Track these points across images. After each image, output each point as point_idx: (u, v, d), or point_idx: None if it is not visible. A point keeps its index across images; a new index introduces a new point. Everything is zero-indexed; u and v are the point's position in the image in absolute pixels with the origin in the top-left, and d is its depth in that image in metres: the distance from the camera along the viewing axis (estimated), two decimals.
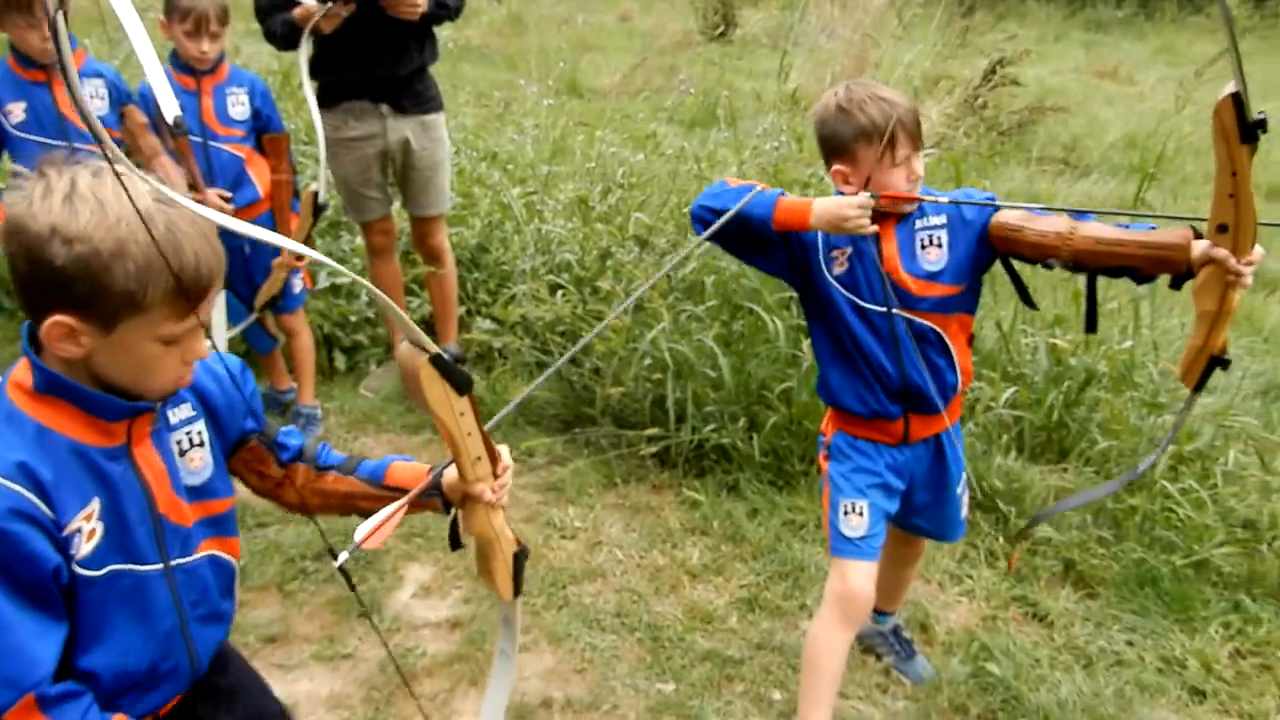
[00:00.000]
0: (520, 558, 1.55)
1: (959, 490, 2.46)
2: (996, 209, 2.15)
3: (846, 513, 2.30)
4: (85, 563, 1.30)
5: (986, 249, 2.18)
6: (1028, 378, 3.81)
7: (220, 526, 1.50)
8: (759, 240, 2.24)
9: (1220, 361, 1.96)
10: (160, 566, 1.39)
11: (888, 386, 2.25)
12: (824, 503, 2.39)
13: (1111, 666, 2.79)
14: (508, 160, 5.94)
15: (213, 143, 3.42)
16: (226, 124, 3.45)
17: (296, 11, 3.44)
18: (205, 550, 1.46)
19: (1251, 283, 1.87)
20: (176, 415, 1.43)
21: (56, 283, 1.19)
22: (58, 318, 1.21)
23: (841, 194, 2.17)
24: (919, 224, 2.20)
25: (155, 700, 1.47)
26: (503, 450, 1.47)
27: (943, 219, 2.19)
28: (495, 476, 1.46)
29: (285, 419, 3.86)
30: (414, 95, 3.82)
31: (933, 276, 2.19)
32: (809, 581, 3.09)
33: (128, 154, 3.17)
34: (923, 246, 2.19)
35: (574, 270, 4.37)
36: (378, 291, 1.29)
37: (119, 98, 3.34)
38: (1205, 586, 3.03)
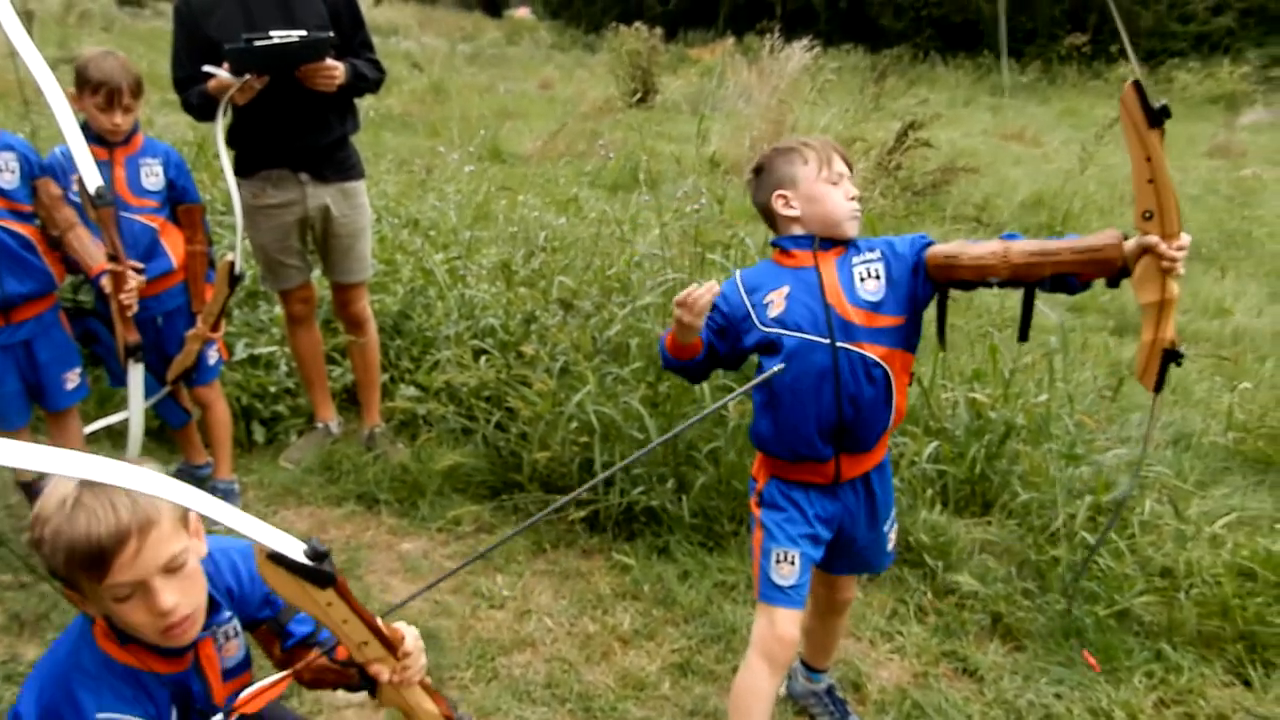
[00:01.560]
0: None
1: (887, 528, 2.48)
2: (927, 244, 2.21)
3: (779, 561, 2.30)
4: None
5: (924, 282, 2.21)
6: (949, 432, 3.87)
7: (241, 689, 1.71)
8: (714, 359, 2.36)
9: (1174, 355, 1.98)
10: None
11: (822, 426, 2.24)
12: (755, 546, 2.37)
13: None
14: (430, 226, 5.93)
15: (125, 214, 3.34)
16: (140, 195, 3.38)
17: (210, 84, 3.41)
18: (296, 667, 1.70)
19: (1183, 270, 1.92)
20: (231, 628, 1.72)
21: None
22: (66, 591, 1.50)
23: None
24: (855, 259, 2.24)
25: None
26: (408, 632, 1.52)
27: (876, 253, 2.23)
28: (397, 658, 1.51)
29: None
30: (334, 164, 3.80)
31: (874, 307, 2.20)
32: (741, 644, 3.06)
33: (42, 228, 3.11)
34: (861, 279, 2.21)
35: (498, 335, 4.35)
36: None
37: (30, 170, 3.25)
38: (1128, 636, 3.08)
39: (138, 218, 3.38)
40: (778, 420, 2.29)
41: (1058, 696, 2.88)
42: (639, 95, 12.34)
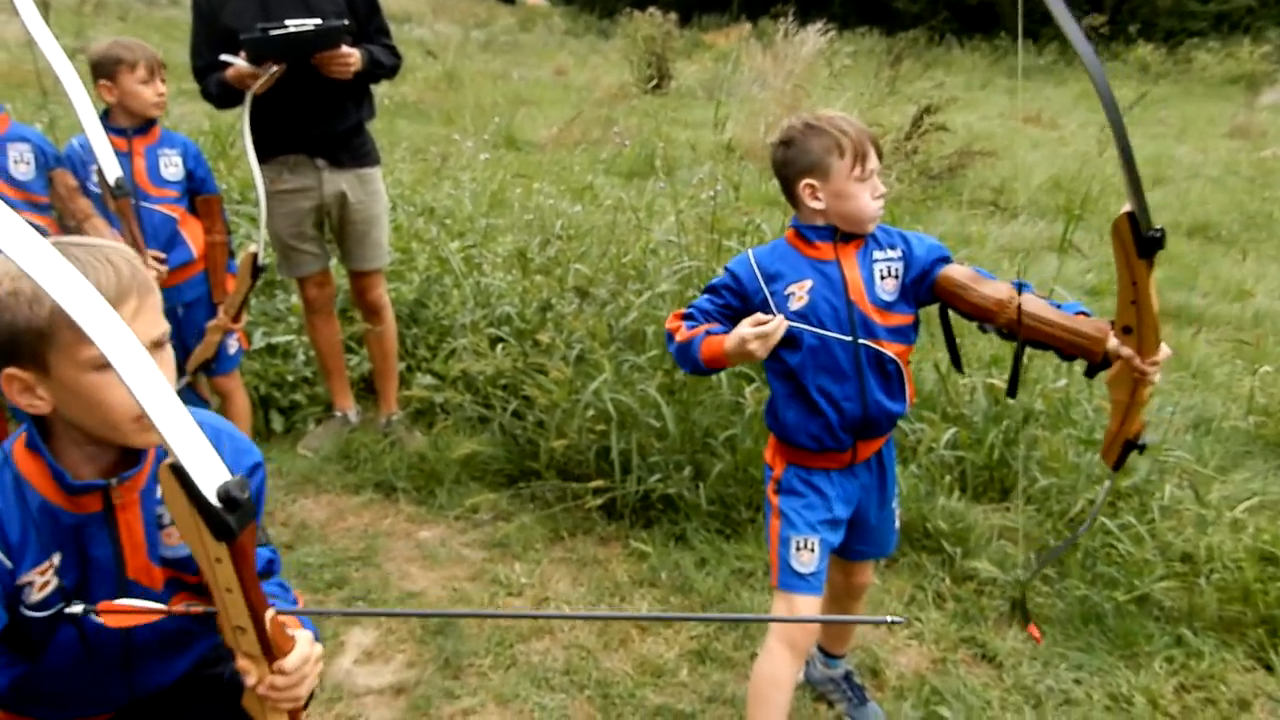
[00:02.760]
0: None
1: (894, 505, 2.51)
2: (944, 259, 2.22)
3: (799, 549, 2.30)
4: (35, 607, 1.37)
5: (927, 292, 2.23)
6: (967, 418, 3.85)
7: (193, 590, 1.48)
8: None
9: (1136, 445, 2.16)
10: (117, 626, 1.42)
11: (846, 420, 2.25)
12: (772, 534, 2.36)
13: (1060, 706, 2.80)
14: (445, 215, 5.93)
15: (145, 204, 3.36)
16: (159, 185, 3.40)
17: (229, 73, 3.42)
18: (174, 605, 1.41)
19: (1159, 380, 2.04)
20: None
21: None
22: (7, 371, 1.28)
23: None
24: (876, 255, 2.24)
25: (74, 708, 1.52)
26: (300, 648, 1.23)
27: (897, 252, 2.24)
28: (270, 669, 1.21)
29: None
30: (351, 150, 3.81)
31: (889, 306, 2.23)
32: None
33: (59, 219, 3.12)
34: (881, 277, 2.23)
35: (514, 323, 4.35)
36: None
37: (46, 161, 3.27)
38: (1148, 621, 3.06)
39: (158, 208, 3.40)
40: (802, 413, 2.29)
41: (1077, 682, 2.87)
42: (654, 81, 12.30)
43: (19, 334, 1.26)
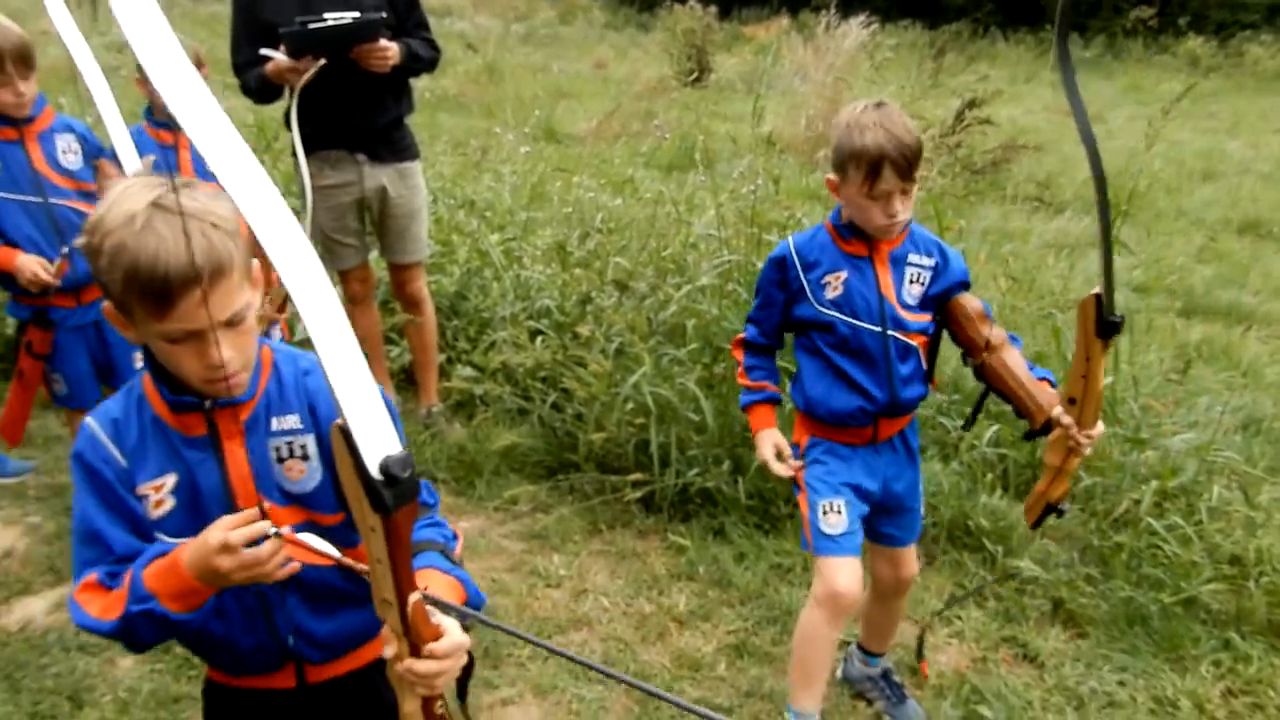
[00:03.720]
0: None
1: (919, 489, 2.58)
2: (964, 284, 2.38)
3: (825, 512, 2.38)
4: (161, 527, 1.42)
5: (939, 307, 2.39)
6: (1009, 416, 3.80)
7: (331, 536, 1.45)
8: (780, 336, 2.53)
9: (1056, 509, 2.38)
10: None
11: (874, 405, 2.35)
12: (802, 507, 2.44)
13: (1104, 708, 2.76)
14: (486, 207, 5.95)
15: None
16: (205, 178, 3.42)
17: (269, 67, 3.45)
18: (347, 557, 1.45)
19: (1089, 453, 2.28)
20: (281, 424, 1.47)
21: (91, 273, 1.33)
22: (105, 304, 1.36)
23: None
24: (911, 258, 2.34)
25: (238, 668, 1.58)
26: (449, 638, 1.17)
27: (931, 261, 2.34)
28: (415, 652, 1.16)
29: None
30: (390, 144, 3.83)
31: (912, 308, 2.34)
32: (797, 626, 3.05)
33: None
34: (910, 281, 2.34)
35: (553, 316, 4.36)
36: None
37: (91, 151, 3.32)
38: (1194, 624, 3.01)
39: None
40: (829, 389, 2.39)
41: (1121, 684, 2.83)
42: (694, 74, 12.26)
43: (103, 285, 1.31)
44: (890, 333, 2.31)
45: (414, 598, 1.14)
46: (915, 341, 2.35)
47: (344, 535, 1.47)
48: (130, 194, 1.28)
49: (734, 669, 2.89)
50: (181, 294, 1.26)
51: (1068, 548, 3.35)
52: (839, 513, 2.37)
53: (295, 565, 1.37)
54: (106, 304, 1.35)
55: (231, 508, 1.41)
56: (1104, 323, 2.02)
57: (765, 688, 2.80)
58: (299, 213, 3.54)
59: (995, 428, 3.68)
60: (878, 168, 2.16)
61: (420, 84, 4.17)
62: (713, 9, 14.39)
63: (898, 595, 2.69)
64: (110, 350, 3.35)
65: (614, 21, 22.88)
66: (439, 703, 1.23)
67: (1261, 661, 2.88)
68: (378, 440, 1.02)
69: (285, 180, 5.66)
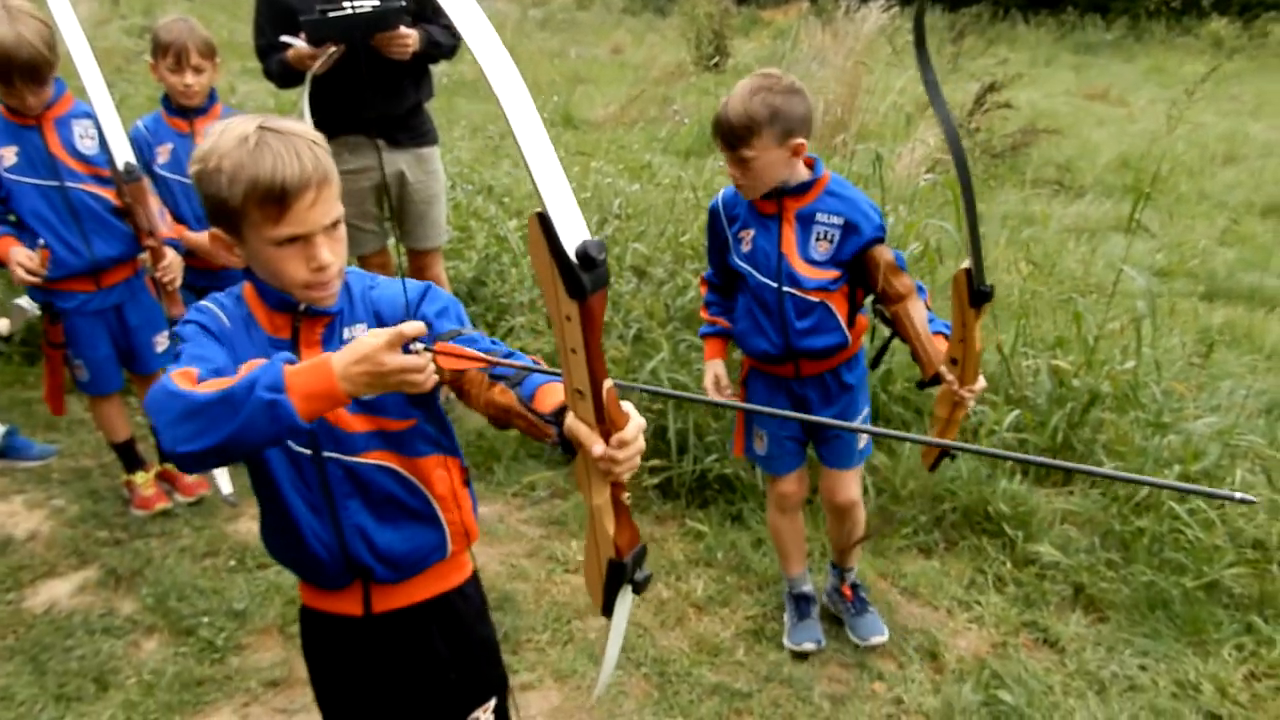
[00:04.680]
0: (615, 570, 1.29)
1: (860, 419, 2.80)
2: (878, 240, 2.52)
3: (756, 436, 2.83)
4: None
5: (855, 260, 2.55)
6: (1030, 400, 3.79)
7: (397, 444, 1.60)
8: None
9: (948, 454, 2.67)
10: (310, 452, 1.57)
11: (772, 344, 2.64)
12: (738, 425, 2.90)
13: (1125, 692, 2.75)
14: (504, 193, 5.95)
15: None
16: None
17: (289, 53, 3.46)
18: (376, 459, 1.60)
19: (973, 405, 2.53)
20: (351, 332, 1.57)
21: (201, 199, 1.50)
22: (212, 230, 1.52)
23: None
24: (819, 217, 2.54)
25: (306, 568, 1.69)
26: (633, 420, 1.22)
27: (840, 220, 2.53)
28: (605, 440, 1.21)
29: None
30: (409, 130, 3.84)
31: (818, 264, 2.55)
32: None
33: (118, 193, 3.17)
34: (816, 239, 2.55)
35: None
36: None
37: (105, 137, 3.34)
38: (1217, 608, 3.00)
39: None
40: (748, 329, 2.68)
41: (1142, 668, 2.82)
42: (712, 59, 12.19)
43: (220, 204, 1.45)
44: (786, 289, 2.56)
45: (608, 384, 1.18)
46: (815, 298, 2.55)
47: (411, 443, 1.62)
48: (234, 125, 1.47)
49: (753, 654, 2.90)
50: (297, 197, 1.43)
51: (1088, 533, 3.33)
52: (761, 439, 2.80)
53: (436, 378, 1.41)
54: (212, 230, 1.51)
55: None
56: (975, 293, 2.19)
57: (784, 672, 2.81)
58: None
59: (1016, 413, 3.66)
60: (716, 132, 2.52)
61: (438, 69, 4.17)
62: None
63: (837, 514, 2.91)
64: (131, 335, 3.38)
65: (631, 6, 22.78)
66: (625, 493, 1.28)
67: None
68: (572, 228, 1.08)
69: None
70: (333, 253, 1.51)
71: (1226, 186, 8.36)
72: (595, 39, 16.42)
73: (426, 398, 1.59)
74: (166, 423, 1.33)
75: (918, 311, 2.49)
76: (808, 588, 3.00)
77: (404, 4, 3.48)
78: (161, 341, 3.45)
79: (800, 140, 2.47)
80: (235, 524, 3.47)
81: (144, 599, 3.07)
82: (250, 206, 1.44)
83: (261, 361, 1.35)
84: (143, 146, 3.38)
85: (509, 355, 1.48)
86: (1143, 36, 20.07)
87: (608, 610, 1.33)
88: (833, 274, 2.55)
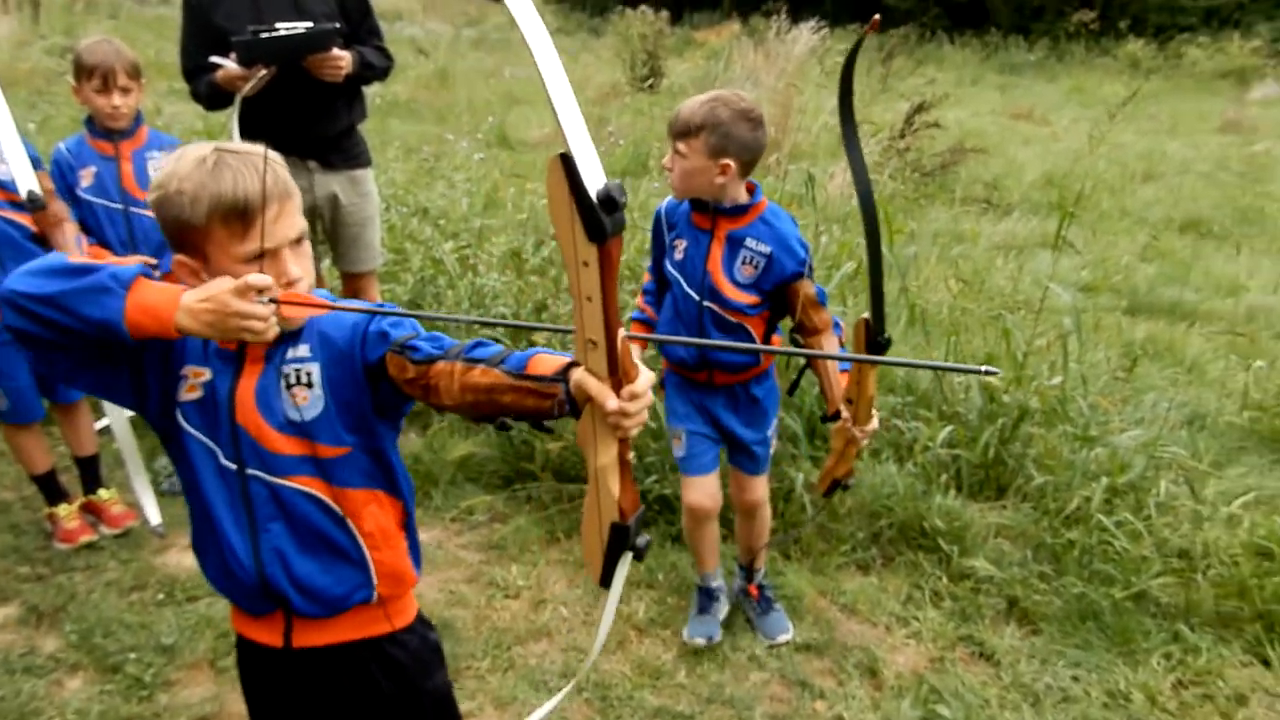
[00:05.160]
0: (618, 536, 1.26)
1: (769, 433, 2.91)
2: (799, 275, 2.62)
3: (673, 438, 2.90)
4: (184, 410, 1.56)
5: (778, 291, 2.65)
6: (962, 416, 3.85)
7: (326, 471, 1.57)
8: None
9: (842, 485, 2.68)
10: (235, 467, 1.56)
11: (688, 353, 2.77)
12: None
13: (1059, 703, 2.80)
14: (439, 215, 5.91)
15: (134, 209, 3.35)
16: (147, 189, 3.37)
17: (218, 74, 3.41)
18: (301, 484, 1.56)
19: (866, 443, 2.61)
20: (295, 352, 1.56)
21: (163, 226, 1.51)
22: (176, 257, 1.52)
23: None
24: (749, 241, 2.63)
25: (226, 584, 1.65)
26: (644, 373, 1.21)
27: (767, 249, 2.61)
28: (617, 394, 1.20)
29: None
30: (342, 152, 3.80)
31: (742, 287, 2.65)
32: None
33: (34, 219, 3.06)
34: (742, 262, 2.64)
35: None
36: None
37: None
38: (1145, 618, 3.07)
39: (147, 213, 3.36)
40: (670, 330, 2.78)
41: (1075, 679, 2.88)
42: (646, 80, 12.27)
43: (183, 226, 1.47)
44: (707, 303, 2.66)
45: (622, 334, 1.16)
46: (733, 318, 2.66)
47: (341, 473, 1.58)
48: (190, 150, 1.49)
49: (694, 676, 2.90)
50: (260, 211, 1.45)
51: (1021, 546, 3.40)
52: (679, 439, 2.86)
53: (276, 330, 1.44)
54: (176, 257, 1.51)
55: (231, 422, 1.54)
56: (872, 343, 2.32)
57: (726, 694, 2.81)
58: None
59: (949, 428, 3.72)
60: (672, 129, 2.58)
61: (371, 89, 4.14)
62: (664, 14, 14.42)
63: (745, 515, 3.04)
64: None
65: (565, 26, 22.86)
66: (629, 451, 1.27)
67: (1210, 653, 2.93)
68: (592, 173, 1.08)
69: None
70: (300, 268, 1.52)
71: (1146, 203, 8.62)
72: (530, 59, 16.41)
73: (369, 426, 1.57)
74: (30, 268, 1.41)
75: (830, 346, 2.63)
76: (716, 584, 3.10)
77: (337, 26, 3.46)
78: None
79: (729, 162, 2.52)
80: (164, 556, 3.38)
81: (68, 636, 2.98)
82: (214, 225, 1.45)
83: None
84: (65, 170, 3.30)
85: (473, 348, 1.46)
86: (1064, 57, 20.66)
87: (606, 581, 1.30)
88: (753, 299, 2.65)
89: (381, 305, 1.57)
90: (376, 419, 1.58)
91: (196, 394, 1.56)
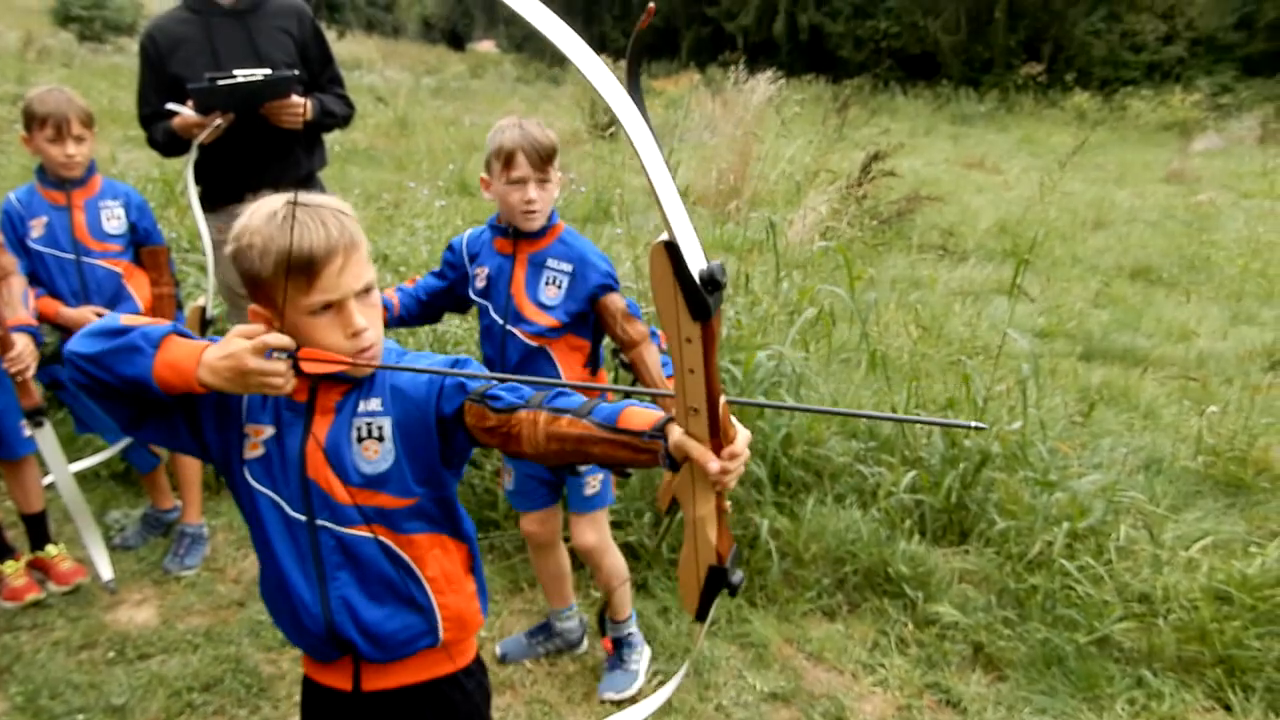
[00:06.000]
0: (716, 576, 1.34)
1: (585, 474, 2.83)
2: (607, 288, 2.64)
3: (506, 472, 2.92)
4: (249, 468, 1.60)
5: (588, 307, 2.67)
6: (924, 461, 3.87)
7: (392, 520, 1.61)
8: (430, 306, 2.88)
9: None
10: (304, 518, 1.59)
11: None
12: None
13: None
14: (400, 262, 5.88)
15: (86, 259, 3.29)
16: (101, 239, 3.32)
17: (175, 121, 3.38)
18: (370, 532, 1.60)
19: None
20: (366, 405, 1.59)
21: (240, 278, 1.55)
22: (252, 307, 1.55)
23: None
24: (550, 262, 2.66)
25: (296, 636, 1.70)
26: (741, 433, 1.29)
27: (569, 267, 2.65)
28: (717, 454, 1.27)
29: (169, 540, 3.66)
30: None
31: (547, 309, 2.66)
32: (723, 679, 3.03)
33: None
34: (545, 284, 2.66)
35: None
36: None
37: None
38: (1109, 663, 3.07)
39: (100, 263, 3.32)
40: (486, 359, 2.77)
41: None
42: (606, 127, 12.38)
43: (255, 278, 1.51)
44: (509, 327, 2.67)
45: (723, 400, 1.23)
46: (534, 342, 2.66)
47: (406, 520, 1.61)
48: (265, 203, 1.53)
49: None
50: (325, 263, 1.48)
51: (985, 591, 3.40)
52: (509, 474, 2.90)
53: (294, 383, 1.49)
54: (252, 307, 1.55)
55: (301, 475, 1.58)
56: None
57: None
58: (204, 269, 3.45)
59: (913, 474, 3.73)
60: (513, 156, 2.54)
61: (331, 137, 4.12)
62: (623, 63, 14.58)
63: (583, 558, 3.02)
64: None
65: (525, 75, 23.07)
66: (726, 503, 1.34)
67: (1173, 698, 2.94)
68: (694, 256, 1.14)
69: (191, 235, 5.53)
70: (367, 318, 1.54)
71: (1097, 251, 8.81)
72: (489, 107, 16.52)
73: (437, 475, 1.62)
74: (86, 329, 1.50)
75: (651, 356, 2.63)
76: (561, 625, 3.14)
77: (295, 73, 3.44)
78: (28, 426, 3.24)
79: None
80: (114, 612, 3.29)
81: (13, 698, 2.87)
82: (281, 277, 1.47)
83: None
84: (15, 221, 3.24)
85: (555, 397, 1.51)
86: (1013, 108, 21.18)
87: (702, 615, 1.38)
88: (554, 321, 2.66)
89: (426, 363, 1.63)
90: (443, 468, 1.62)
91: (259, 451, 1.60)
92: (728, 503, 1.34)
